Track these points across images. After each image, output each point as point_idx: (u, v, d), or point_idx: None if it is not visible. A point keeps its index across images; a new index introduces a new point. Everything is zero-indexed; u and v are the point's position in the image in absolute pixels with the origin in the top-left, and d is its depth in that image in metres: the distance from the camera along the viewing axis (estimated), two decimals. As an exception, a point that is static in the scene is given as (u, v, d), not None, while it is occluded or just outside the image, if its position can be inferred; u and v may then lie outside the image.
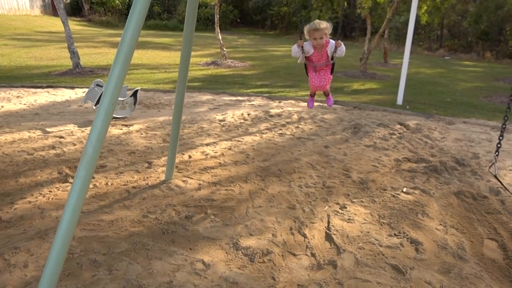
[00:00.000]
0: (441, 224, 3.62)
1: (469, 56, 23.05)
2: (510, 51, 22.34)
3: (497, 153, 3.10)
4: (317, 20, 3.69)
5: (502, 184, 3.10)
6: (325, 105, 8.06)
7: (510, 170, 5.00)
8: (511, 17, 21.78)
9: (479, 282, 2.84)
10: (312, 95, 4.46)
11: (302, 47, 3.72)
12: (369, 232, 3.43)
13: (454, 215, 3.83)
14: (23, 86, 9.36)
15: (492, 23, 23.00)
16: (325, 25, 3.65)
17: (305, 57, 3.83)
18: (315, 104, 7.86)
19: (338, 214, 3.73)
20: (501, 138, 3.02)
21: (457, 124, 7.32)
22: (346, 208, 3.85)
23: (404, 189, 4.31)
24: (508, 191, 3.22)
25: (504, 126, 3.03)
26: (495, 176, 3.02)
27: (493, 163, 3.09)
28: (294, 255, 3.08)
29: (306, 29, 3.71)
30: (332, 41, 3.75)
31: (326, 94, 4.35)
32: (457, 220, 3.72)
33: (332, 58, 3.80)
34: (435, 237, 3.40)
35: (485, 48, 24.26)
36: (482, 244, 3.37)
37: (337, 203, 3.94)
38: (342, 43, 3.71)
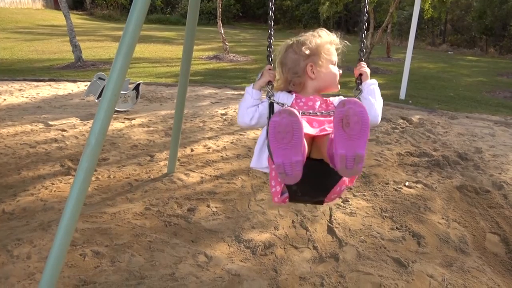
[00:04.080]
0: (443, 218, 3.62)
1: (473, 51, 22.92)
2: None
3: None
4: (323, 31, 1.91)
5: None
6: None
7: (513, 165, 4.98)
8: (516, 12, 21.65)
9: (481, 276, 2.84)
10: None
11: (270, 86, 1.73)
12: (371, 225, 3.43)
13: (456, 209, 3.82)
14: (25, 79, 9.35)
15: (496, 18, 22.84)
16: (337, 41, 1.94)
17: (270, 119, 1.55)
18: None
19: (340, 207, 3.73)
20: None
21: (460, 118, 7.30)
22: (348, 201, 3.85)
23: (407, 183, 4.30)
24: None
25: None
26: None
27: None
28: (296, 248, 3.09)
29: (286, 53, 1.83)
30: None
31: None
32: (459, 214, 3.72)
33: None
34: (437, 230, 3.40)
35: (488, 43, 24.12)
36: (485, 238, 3.37)
37: (339, 197, 3.94)
38: (367, 71, 1.94)
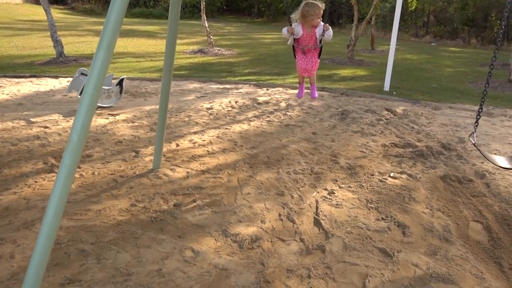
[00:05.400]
0: (427, 208, 3.67)
1: (455, 42, 23.20)
2: (495, 37, 22.55)
3: (476, 124, 3.28)
4: (313, 1, 3.81)
5: (480, 151, 3.18)
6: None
7: (495, 153, 5.07)
8: (497, 3, 21.92)
9: (464, 264, 2.90)
10: (301, 82, 4.59)
11: (292, 32, 3.88)
12: (357, 216, 3.46)
13: (440, 198, 3.88)
14: (5, 76, 9.15)
15: (478, 9, 23.14)
16: (322, 7, 3.83)
17: (294, 39, 3.96)
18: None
19: (326, 199, 3.75)
20: (480, 110, 3.27)
21: (443, 109, 7.39)
22: (334, 193, 3.87)
23: (391, 174, 4.35)
24: (487, 158, 3.28)
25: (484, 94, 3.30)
26: (474, 144, 3.14)
27: (473, 132, 3.21)
28: (283, 240, 3.10)
29: (301, 9, 3.81)
30: (321, 23, 3.92)
31: (311, 82, 4.49)
32: (443, 204, 3.78)
33: (320, 42, 3.97)
34: (422, 220, 3.45)
35: (470, 34, 24.43)
36: (468, 226, 3.43)
37: (325, 189, 3.97)
38: (330, 27, 3.88)
